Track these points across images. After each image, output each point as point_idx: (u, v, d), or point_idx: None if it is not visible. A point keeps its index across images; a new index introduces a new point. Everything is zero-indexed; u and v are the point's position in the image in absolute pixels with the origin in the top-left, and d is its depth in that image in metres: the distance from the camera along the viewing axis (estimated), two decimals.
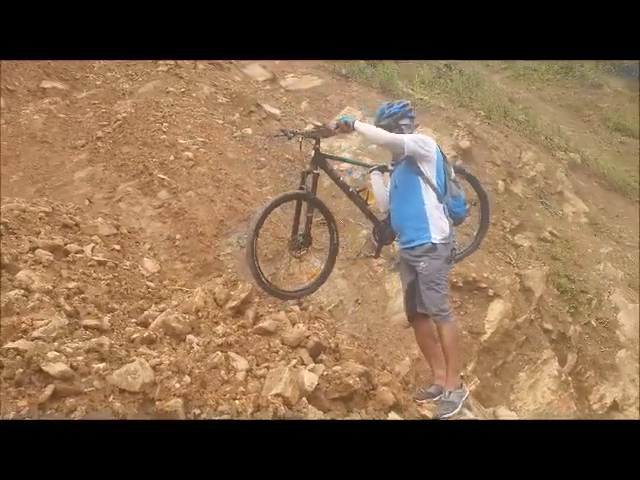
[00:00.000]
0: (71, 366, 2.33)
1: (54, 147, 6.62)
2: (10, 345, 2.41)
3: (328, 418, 2.60)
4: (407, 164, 3.78)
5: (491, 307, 6.74)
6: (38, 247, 4.12)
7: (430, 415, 3.18)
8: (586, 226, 9.92)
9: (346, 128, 3.75)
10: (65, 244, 4.43)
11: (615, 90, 15.48)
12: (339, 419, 2.46)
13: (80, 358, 2.40)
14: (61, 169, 6.36)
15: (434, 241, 3.67)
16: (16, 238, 4.23)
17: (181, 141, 6.95)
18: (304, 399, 2.59)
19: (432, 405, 3.37)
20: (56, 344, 2.47)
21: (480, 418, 3.29)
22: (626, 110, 14.63)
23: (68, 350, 2.42)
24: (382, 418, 2.86)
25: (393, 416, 2.89)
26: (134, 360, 2.49)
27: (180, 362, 2.56)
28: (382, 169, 4.17)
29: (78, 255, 4.39)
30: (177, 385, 2.41)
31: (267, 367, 2.74)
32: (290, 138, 4.10)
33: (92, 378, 2.35)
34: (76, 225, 4.97)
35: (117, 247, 4.97)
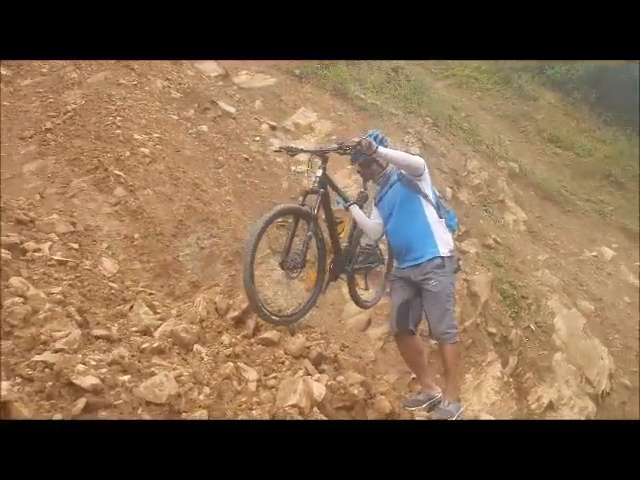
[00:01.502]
0: (99, 379, 2.29)
1: None
2: (38, 358, 2.37)
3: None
4: (403, 185, 3.80)
5: None
6: None
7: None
8: (525, 234, 10.46)
9: (368, 149, 3.52)
10: (21, 242, 4.25)
11: (549, 103, 16.31)
12: (338, 419, 2.52)
13: (104, 370, 2.37)
14: (8, 161, 6.04)
15: (442, 255, 3.70)
16: None
17: (136, 136, 6.77)
18: (315, 409, 2.66)
19: (424, 413, 3.49)
20: (80, 356, 2.41)
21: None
22: (560, 123, 15.45)
23: (92, 362, 2.38)
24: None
25: None
26: (153, 372, 2.47)
27: (197, 373, 2.56)
28: (363, 199, 4.18)
29: (37, 254, 4.23)
30: (201, 397, 2.42)
31: (275, 377, 2.78)
32: (293, 155, 3.96)
33: (120, 391, 2.32)
34: (31, 222, 4.77)
35: (75, 246, 4.81)
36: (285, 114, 9.59)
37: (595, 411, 7.97)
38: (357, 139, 3.56)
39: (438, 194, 3.99)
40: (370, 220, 4.21)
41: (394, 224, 3.94)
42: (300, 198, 3.66)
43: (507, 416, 6.83)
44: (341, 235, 4.06)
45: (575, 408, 7.70)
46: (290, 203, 3.66)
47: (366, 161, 3.90)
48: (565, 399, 7.64)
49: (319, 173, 3.71)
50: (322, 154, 3.78)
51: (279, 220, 3.54)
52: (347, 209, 4.22)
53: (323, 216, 3.95)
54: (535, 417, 7.21)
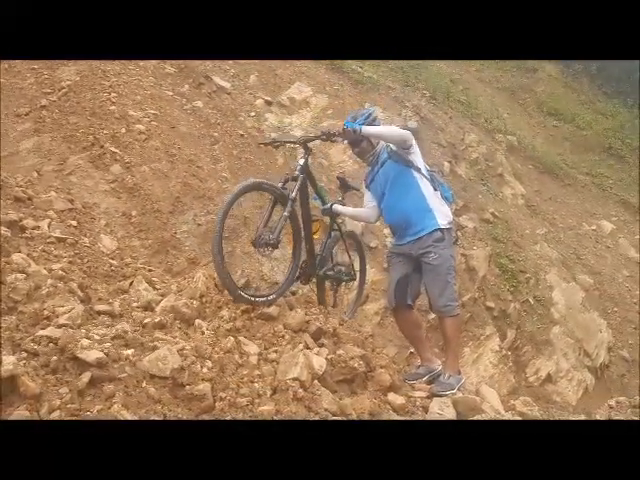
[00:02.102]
0: (103, 353, 2.32)
1: None
2: (42, 333, 2.39)
3: (337, 399, 2.70)
4: (394, 161, 3.79)
5: None
6: None
7: (423, 395, 3.34)
8: (523, 208, 10.44)
9: (353, 135, 3.60)
10: (20, 219, 4.26)
11: (549, 75, 16.12)
12: (339, 419, 2.54)
13: (108, 345, 2.40)
14: (5, 138, 6.01)
15: (441, 227, 3.70)
16: None
17: (132, 113, 6.72)
18: (316, 381, 2.70)
19: (424, 386, 3.53)
20: (83, 331, 2.44)
21: (468, 397, 3.45)
22: (560, 95, 15.29)
23: (96, 337, 2.41)
24: (381, 398, 2.99)
25: (392, 397, 3.04)
26: (156, 346, 2.50)
27: (199, 347, 2.59)
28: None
29: (36, 232, 4.24)
30: (204, 370, 2.46)
31: (276, 351, 2.81)
32: (276, 147, 3.91)
33: (123, 364, 2.36)
34: (29, 199, 4.77)
35: (73, 223, 4.82)
36: (280, 89, 9.48)
37: (594, 384, 8.06)
38: (339, 129, 3.63)
39: (429, 168, 3.97)
40: (362, 208, 4.22)
41: (389, 201, 3.92)
42: (279, 184, 3.59)
43: (505, 388, 6.93)
44: (315, 236, 3.98)
45: (573, 381, 7.80)
46: (259, 179, 3.55)
47: (355, 140, 3.89)
48: (563, 372, 7.72)
49: (301, 162, 3.70)
50: (305, 144, 3.76)
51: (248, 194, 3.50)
52: (329, 214, 4.22)
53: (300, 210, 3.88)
54: (534, 390, 7.30)
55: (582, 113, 14.72)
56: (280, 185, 3.56)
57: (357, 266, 4.68)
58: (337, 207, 4.24)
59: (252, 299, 3.20)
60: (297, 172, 3.63)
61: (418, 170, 3.78)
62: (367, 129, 3.64)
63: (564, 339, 8.07)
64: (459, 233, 4.23)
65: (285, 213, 3.42)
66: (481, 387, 4.09)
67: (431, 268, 3.72)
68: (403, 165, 3.78)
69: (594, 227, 11.20)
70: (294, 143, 3.87)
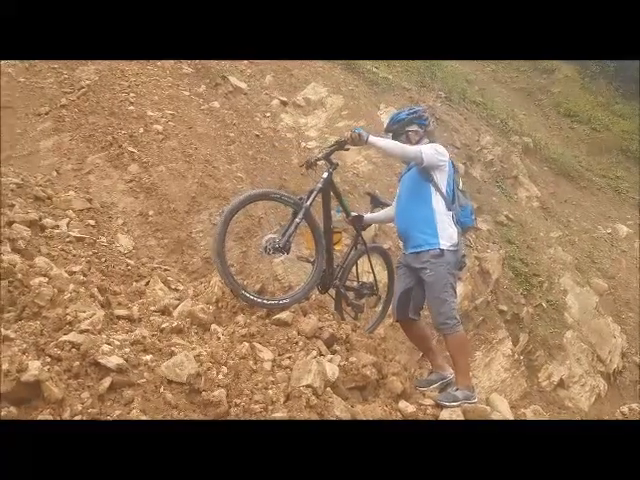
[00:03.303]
0: (123, 358, 2.38)
1: (16, 113, 6.33)
2: (65, 338, 2.46)
3: (349, 406, 2.74)
4: (418, 171, 3.74)
5: None
6: (15, 222, 4.02)
7: (434, 403, 3.35)
8: (538, 210, 10.38)
9: (358, 141, 3.51)
10: (40, 218, 4.34)
11: (566, 76, 15.97)
12: (343, 419, 2.57)
13: (127, 350, 2.46)
14: (25, 137, 6.11)
15: (442, 247, 3.63)
16: None
17: (150, 113, 6.79)
18: (328, 389, 2.74)
19: (434, 394, 3.53)
20: (104, 336, 2.51)
21: (478, 406, 3.47)
22: (576, 96, 15.16)
23: (116, 342, 2.48)
24: (392, 406, 3.02)
25: (403, 405, 3.07)
26: (173, 351, 2.56)
27: (215, 353, 2.65)
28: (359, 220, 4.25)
29: (55, 231, 4.32)
30: (220, 376, 2.51)
31: (290, 357, 2.85)
32: (314, 168, 3.88)
33: (142, 370, 2.42)
34: (48, 198, 4.86)
35: (92, 222, 4.91)
36: (296, 89, 9.52)
37: (606, 389, 8.01)
38: (347, 133, 3.58)
39: (461, 186, 3.89)
40: (385, 212, 4.31)
41: (401, 208, 3.93)
42: (304, 196, 3.62)
43: (517, 393, 6.91)
44: (337, 247, 4.00)
45: (586, 386, 7.76)
46: (268, 189, 3.56)
47: (396, 127, 3.88)
48: (576, 377, 7.68)
49: (324, 175, 3.74)
50: (328, 158, 3.80)
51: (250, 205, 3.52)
52: (354, 223, 4.23)
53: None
54: (546, 395, 7.28)
55: (599, 115, 14.59)
56: (302, 196, 3.61)
57: (385, 279, 4.66)
58: (367, 216, 4.34)
59: (257, 300, 3.23)
60: (319, 184, 3.69)
61: (436, 187, 3.70)
62: (373, 139, 3.56)
63: (577, 344, 8.03)
64: (466, 259, 4.12)
65: (297, 220, 3.43)
66: (491, 396, 4.07)
67: (427, 285, 3.69)
68: (422, 178, 3.74)
69: (609, 230, 11.10)
70: (319, 160, 3.85)
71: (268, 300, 3.32)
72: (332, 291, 4.12)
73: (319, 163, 3.84)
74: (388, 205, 4.56)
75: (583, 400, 7.59)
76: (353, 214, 4.28)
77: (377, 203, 4.54)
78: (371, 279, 4.48)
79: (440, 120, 10.21)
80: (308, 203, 3.52)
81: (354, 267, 4.34)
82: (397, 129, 3.87)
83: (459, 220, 3.82)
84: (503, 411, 3.70)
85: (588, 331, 8.30)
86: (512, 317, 7.78)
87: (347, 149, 3.77)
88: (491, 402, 3.82)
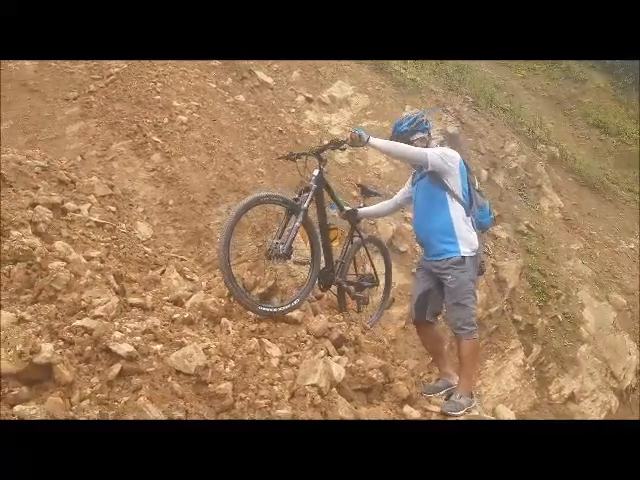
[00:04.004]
0: (134, 346, 2.43)
1: (46, 97, 6.45)
2: (78, 323, 2.52)
3: (353, 407, 2.76)
4: (430, 179, 3.72)
5: None
6: (38, 204, 4.10)
7: (437, 410, 3.36)
8: (560, 221, 10.25)
9: (358, 141, 3.47)
10: (62, 202, 4.41)
11: (598, 86, 15.72)
12: (347, 419, 2.58)
13: (138, 338, 2.52)
14: (52, 120, 6.22)
15: (463, 254, 3.63)
16: (14, 192, 4.20)
17: (175, 103, 6.85)
18: (334, 389, 2.76)
19: (440, 401, 3.53)
20: (117, 323, 2.56)
21: (483, 416, 3.46)
22: (607, 107, 14.92)
23: (127, 330, 2.53)
24: (397, 410, 3.03)
25: (407, 409, 3.08)
26: (183, 342, 2.60)
27: (224, 346, 2.68)
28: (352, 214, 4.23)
29: (76, 215, 4.39)
30: (227, 370, 2.55)
31: (297, 355, 2.88)
32: (294, 160, 3.90)
33: (152, 359, 2.46)
34: (72, 182, 4.93)
35: (112, 209, 4.96)
36: (322, 86, 9.53)
37: (618, 406, 7.91)
38: (348, 133, 3.56)
39: (477, 186, 3.86)
40: (379, 206, 4.35)
41: (419, 217, 3.90)
42: (296, 195, 3.59)
43: (526, 404, 6.85)
44: (334, 244, 3.98)
45: (597, 402, 7.67)
46: (260, 193, 3.47)
47: (401, 139, 3.82)
48: (588, 392, 7.60)
49: (315, 173, 3.69)
50: (318, 155, 3.76)
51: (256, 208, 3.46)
52: (349, 219, 4.22)
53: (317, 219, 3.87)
54: (555, 407, 7.21)
55: (629, 127, 14.34)
56: (296, 197, 3.57)
57: (382, 270, 4.69)
58: (362, 210, 4.32)
59: (260, 308, 3.18)
60: (311, 183, 3.63)
61: (452, 193, 3.67)
62: (374, 140, 3.52)
63: (591, 359, 7.93)
64: (484, 265, 4.08)
65: (296, 224, 3.39)
66: (498, 407, 4.06)
67: (448, 290, 3.69)
68: (437, 185, 3.71)
69: (632, 246, 10.93)
70: (308, 155, 3.85)
71: (264, 307, 3.24)
72: (334, 288, 4.13)
73: (308, 158, 3.80)
74: (379, 195, 4.59)
75: (593, 415, 7.50)
76: (347, 208, 4.25)
77: (367, 193, 4.55)
78: (369, 270, 4.51)
79: (465, 125, 10.14)
80: (305, 205, 3.48)
81: (350, 262, 4.32)
82: (402, 140, 3.79)
83: (478, 221, 3.81)
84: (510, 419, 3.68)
85: (603, 346, 8.19)
86: (526, 328, 7.71)
87: (344, 149, 3.77)
88: (497, 413, 3.81)
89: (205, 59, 7.80)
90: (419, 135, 3.88)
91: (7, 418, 2.06)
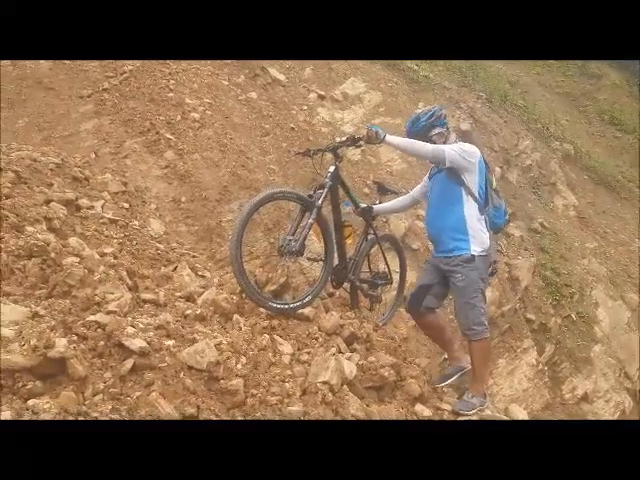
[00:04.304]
0: (146, 342, 2.46)
1: (60, 95, 6.51)
2: (92, 318, 2.55)
3: (364, 405, 2.76)
4: (447, 173, 3.65)
5: None
6: (52, 200, 4.14)
7: (449, 408, 3.34)
8: (574, 219, 10.15)
9: (374, 139, 3.41)
10: (76, 199, 4.45)
11: (614, 83, 15.51)
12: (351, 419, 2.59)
13: (151, 334, 2.54)
14: (67, 118, 6.28)
15: (474, 253, 3.56)
16: (28, 188, 4.24)
17: (188, 101, 6.89)
18: (345, 387, 2.76)
19: (452, 400, 3.50)
20: (129, 319, 2.58)
21: (496, 415, 3.44)
22: (623, 104, 14.72)
23: (140, 326, 2.55)
24: (408, 408, 3.03)
25: (419, 408, 3.07)
26: (195, 338, 2.62)
27: (236, 343, 2.70)
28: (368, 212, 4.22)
29: (90, 211, 4.43)
30: (238, 366, 2.56)
31: (308, 352, 2.88)
32: (311, 156, 3.87)
33: (164, 354, 2.49)
34: (85, 179, 4.97)
35: (126, 205, 5.00)
36: (334, 83, 9.50)
37: (631, 407, 7.82)
38: (363, 130, 3.51)
39: (495, 185, 3.79)
40: (394, 202, 4.31)
41: (432, 212, 3.85)
42: (310, 192, 3.55)
43: (539, 404, 6.80)
44: (348, 241, 3.94)
45: (611, 402, 7.59)
46: (274, 190, 3.43)
47: (418, 135, 3.75)
48: (601, 392, 7.52)
49: (331, 169, 3.65)
50: (334, 151, 3.73)
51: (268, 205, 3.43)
52: (364, 216, 4.19)
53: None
54: (568, 407, 7.15)
55: None
56: (311, 193, 3.54)
57: (396, 268, 4.67)
58: (375, 207, 4.29)
59: (272, 304, 3.17)
60: (326, 179, 3.59)
61: (468, 190, 3.60)
62: (390, 138, 3.46)
63: (605, 359, 7.85)
64: (497, 265, 4.03)
65: (310, 220, 3.36)
66: (510, 406, 4.02)
67: (456, 289, 3.63)
68: (454, 180, 3.63)
69: None
70: (324, 151, 3.80)
71: (276, 303, 3.23)
72: (347, 285, 4.11)
73: (327, 155, 3.76)
74: (395, 193, 4.52)
75: (607, 416, 7.42)
76: (362, 205, 4.22)
77: (384, 191, 4.50)
78: (382, 268, 4.47)
79: (479, 122, 10.07)
80: (320, 202, 3.45)
81: (364, 259, 4.28)
82: (420, 136, 3.71)
83: (492, 221, 3.73)
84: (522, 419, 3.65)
85: (617, 346, 8.10)
86: (539, 327, 7.65)
87: (359, 146, 3.70)
88: (510, 412, 3.77)
89: (215, 59, 7.80)
90: (438, 130, 3.77)
91: (21, 412, 2.08)
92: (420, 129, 3.78)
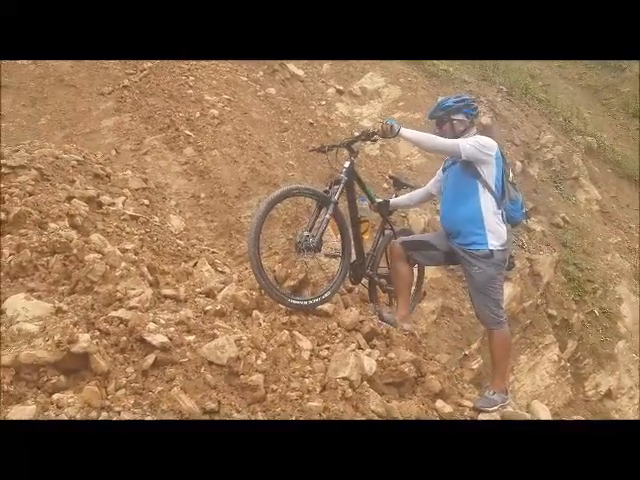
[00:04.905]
0: (167, 337, 2.49)
1: (81, 92, 6.59)
2: (114, 314, 2.58)
3: (384, 401, 2.75)
4: (463, 166, 3.57)
5: None
6: (74, 197, 4.19)
7: (470, 405, 3.32)
8: (597, 214, 9.98)
9: (389, 132, 3.39)
10: (98, 195, 4.50)
11: (638, 74, 15.18)
12: (358, 419, 2.58)
13: (172, 329, 2.57)
14: (88, 115, 6.35)
15: (491, 248, 3.49)
16: (51, 185, 4.30)
17: (207, 97, 6.91)
18: (365, 382, 2.76)
19: (473, 396, 3.47)
20: (151, 315, 2.62)
21: (518, 412, 3.41)
22: None
23: (161, 321, 2.58)
24: (429, 405, 3.02)
25: (440, 404, 3.06)
26: (215, 334, 2.65)
27: (255, 338, 2.71)
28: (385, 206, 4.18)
29: (111, 208, 4.47)
30: (258, 362, 2.58)
31: (328, 348, 2.88)
32: (325, 152, 3.81)
33: (185, 350, 2.51)
34: (107, 176, 5.02)
35: (146, 202, 5.04)
36: (353, 78, 9.47)
37: None
38: (378, 124, 3.48)
39: (512, 178, 3.73)
40: (411, 195, 4.24)
41: (447, 207, 3.76)
42: (326, 188, 3.54)
43: (561, 400, 6.73)
44: (365, 236, 3.91)
45: (635, 399, 7.48)
46: (291, 186, 3.44)
47: (440, 121, 3.68)
48: (625, 389, 7.41)
49: (346, 165, 3.62)
50: (349, 146, 3.70)
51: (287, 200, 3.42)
52: (381, 211, 4.16)
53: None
54: (591, 404, 7.07)
55: None
56: (326, 189, 3.53)
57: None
58: (392, 200, 4.23)
59: (291, 301, 3.16)
60: (342, 175, 3.56)
61: (485, 184, 3.52)
62: (405, 131, 3.43)
63: (629, 355, 7.73)
64: (515, 260, 3.95)
65: (326, 216, 3.34)
66: (533, 403, 3.96)
67: (472, 280, 3.58)
68: (470, 173, 3.55)
69: None
70: (339, 147, 3.77)
71: (295, 299, 3.22)
72: (365, 281, 4.08)
73: (342, 150, 3.74)
74: (411, 187, 4.47)
75: (631, 413, 7.31)
76: (378, 200, 4.17)
77: (400, 185, 4.46)
78: None
79: (499, 116, 9.95)
80: (336, 198, 3.43)
81: (382, 254, 4.24)
82: (442, 116, 3.64)
83: (509, 215, 3.64)
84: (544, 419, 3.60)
85: None
86: (561, 322, 7.55)
87: (375, 140, 3.67)
88: (532, 409, 3.72)
89: (232, 59, 7.79)
90: (460, 116, 3.65)
91: (46, 406, 2.11)
92: (446, 108, 3.68)
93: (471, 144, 3.46)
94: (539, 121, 10.83)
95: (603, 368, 7.45)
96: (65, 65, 6.81)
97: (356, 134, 3.75)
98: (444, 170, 3.87)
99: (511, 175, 3.72)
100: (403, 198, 4.33)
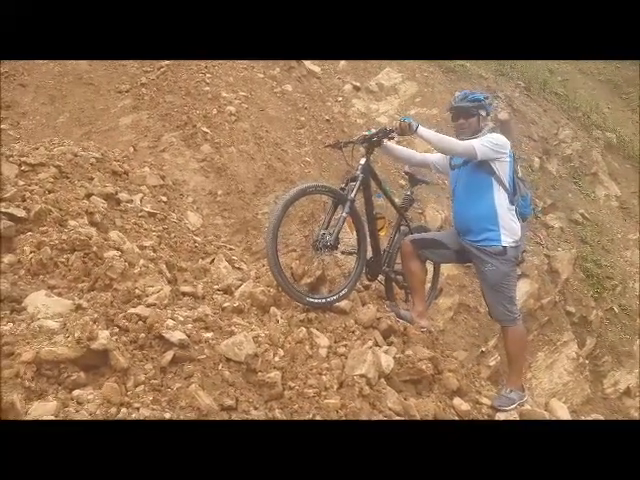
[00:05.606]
0: (185, 334, 2.51)
1: (99, 90, 6.64)
2: (133, 311, 2.62)
3: (402, 399, 2.75)
4: (477, 163, 3.56)
5: (518, 287, 6.76)
6: (93, 194, 4.24)
7: (488, 402, 3.30)
8: (617, 210, 9.84)
9: (407, 130, 3.41)
10: (116, 192, 4.55)
11: None
12: (364, 419, 2.57)
13: (190, 326, 2.59)
14: (106, 113, 6.40)
15: (505, 244, 3.50)
16: (70, 183, 4.35)
17: (224, 94, 6.92)
18: (382, 380, 2.76)
19: (491, 394, 3.46)
20: (169, 312, 2.64)
21: (536, 410, 3.38)
22: None
23: (180, 318, 2.61)
24: (446, 402, 3.01)
25: (457, 402, 3.05)
26: (233, 331, 2.66)
27: (273, 335, 2.73)
28: (408, 203, 4.25)
29: (129, 205, 4.52)
30: (276, 359, 2.60)
31: (345, 345, 2.89)
32: (341, 148, 3.76)
33: (203, 346, 2.54)
34: (125, 173, 5.07)
35: (164, 199, 5.08)
36: (369, 74, 9.41)
37: None
38: (396, 122, 3.49)
39: (520, 174, 3.71)
40: (410, 152, 4.21)
41: (459, 204, 3.75)
42: (342, 185, 3.53)
43: (579, 398, 6.66)
44: (382, 233, 3.89)
45: None
46: (307, 184, 3.42)
47: (456, 113, 3.70)
48: None
49: (362, 161, 3.61)
50: (366, 143, 3.68)
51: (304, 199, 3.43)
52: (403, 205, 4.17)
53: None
54: (610, 402, 6.98)
55: None
56: (342, 186, 3.53)
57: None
58: (388, 144, 4.00)
59: (308, 299, 3.16)
60: (358, 172, 3.56)
61: (499, 180, 3.54)
62: (422, 130, 3.45)
63: None
64: (525, 254, 3.93)
65: (343, 214, 3.34)
66: (551, 401, 3.93)
67: (484, 277, 3.58)
68: (484, 170, 3.56)
69: None
70: (354, 143, 3.76)
71: (312, 297, 3.21)
72: (382, 277, 4.06)
73: (357, 147, 3.70)
74: (427, 183, 4.54)
75: None
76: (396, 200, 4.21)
77: (416, 181, 4.42)
78: None
79: (517, 111, 9.85)
80: (352, 195, 3.43)
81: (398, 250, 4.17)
82: (469, 108, 3.64)
83: (520, 211, 3.65)
84: (562, 418, 3.57)
85: None
86: (580, 320, 7.47)
87: (392, 138, 3.65)
88: (550, 408, 3.69)
89: (248, 59, 7.78)
90: (484, 112, 3.72)
91: (67, 402, 2.13)
92: (475, 101, 3.69)
93: (485, 144, 3.47)
94: (557, 116, 10.69)
95: (622, 366, 7.36)
96: (83, 63, 6.87)
97: (373, 131, 3.72)
98: (453, 168, 3.86)
99: (519, 171, 3.72)
100: (399, 147, 4.16)
